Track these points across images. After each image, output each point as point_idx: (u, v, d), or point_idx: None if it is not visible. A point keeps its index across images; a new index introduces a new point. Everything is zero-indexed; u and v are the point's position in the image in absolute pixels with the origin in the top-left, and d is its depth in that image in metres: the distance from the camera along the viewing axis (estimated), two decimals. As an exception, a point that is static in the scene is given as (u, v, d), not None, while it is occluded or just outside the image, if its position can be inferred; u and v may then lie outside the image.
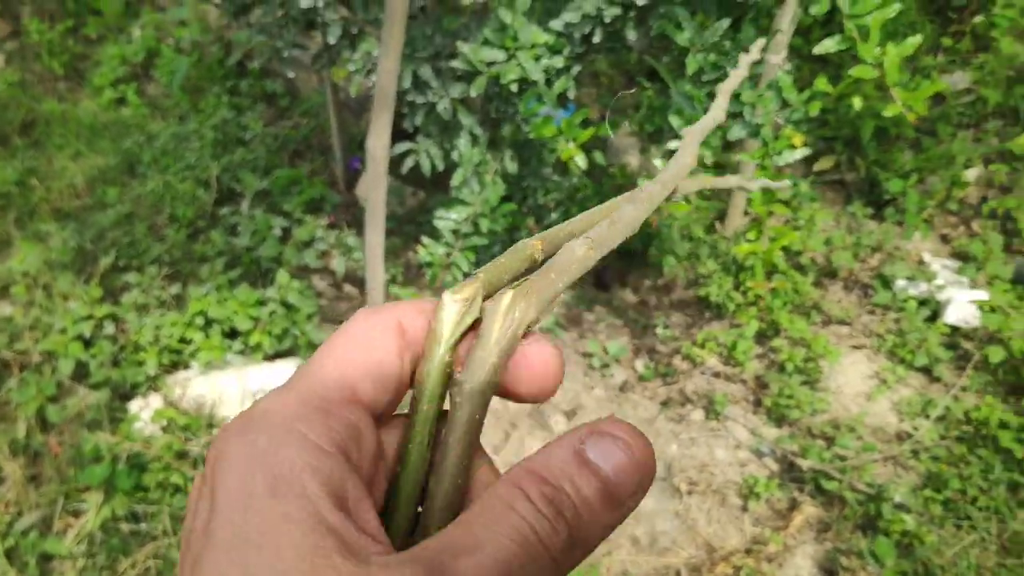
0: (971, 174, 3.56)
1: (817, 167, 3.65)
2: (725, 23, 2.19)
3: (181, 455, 2.51)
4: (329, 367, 0.36)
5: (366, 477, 0.35)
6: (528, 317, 0.37)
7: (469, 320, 0.38)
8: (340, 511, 0.32)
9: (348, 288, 3.29)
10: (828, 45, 2.03)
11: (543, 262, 0.42)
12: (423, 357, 0.38)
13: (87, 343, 2.80)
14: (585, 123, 2.44)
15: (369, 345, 0.37)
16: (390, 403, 0.38)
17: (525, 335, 0.38)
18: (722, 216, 3.38)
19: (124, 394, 2.75)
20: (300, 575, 0.29)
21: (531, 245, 0.43)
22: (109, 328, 2.83)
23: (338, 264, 3.17)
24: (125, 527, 2.41)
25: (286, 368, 2.82)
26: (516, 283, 0.39)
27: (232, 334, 2.87)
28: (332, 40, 2.58)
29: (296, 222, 3.33)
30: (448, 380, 0.37)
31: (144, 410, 2.65)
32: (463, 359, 0.38)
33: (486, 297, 0.39)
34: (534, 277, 0.39)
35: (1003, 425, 2.63)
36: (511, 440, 2.73)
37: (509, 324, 0.37)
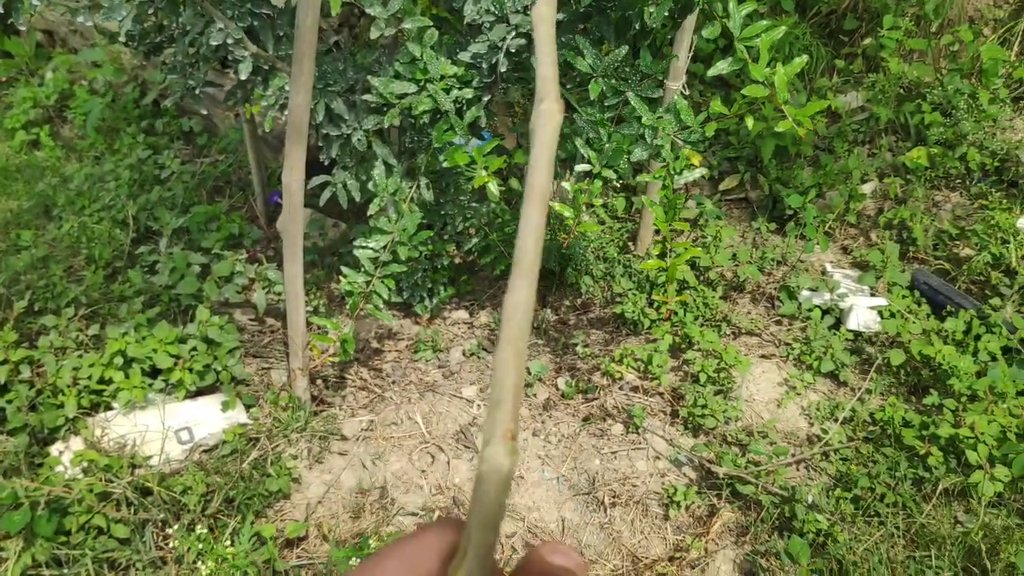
0: (867, 188, 3.75)
1: (723, 186, 3.80)
2: (624, 50, 2.30)
3: (104, 496, 2.48)
4: None
5: None
6: None
7: None
8: None
9: (271, 321, 3.30)
10: (721, 67, 2.15)
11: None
12: None
13: (3, 389, 2.76)
14: (498, 151, 2.52)
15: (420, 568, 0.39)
16: None
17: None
18: (634, 236, 3.49)
19: (43, 439, 2.71)
20: None
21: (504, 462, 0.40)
22: (26, 372, 2.79)
23: (259, 298, 3.18)
24: (47, 573, 2.37)
25: (209, 404, 2.82)
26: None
27: (153, 372, 2.85)
28: (244, 76, 2.61)
29: (215, 258, 3.33)
30: None
31: (64, 453, 2.62)
32: None
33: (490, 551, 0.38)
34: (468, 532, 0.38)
35: (906, 424, 2.77)
36: (437, 462, 2.77)
37: None
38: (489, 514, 0.37)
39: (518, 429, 0.38)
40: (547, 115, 0.44)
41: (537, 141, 0.43)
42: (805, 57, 2.06)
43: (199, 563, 2.20)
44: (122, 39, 2.45)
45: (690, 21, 2.76)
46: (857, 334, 3.15)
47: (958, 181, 3.79)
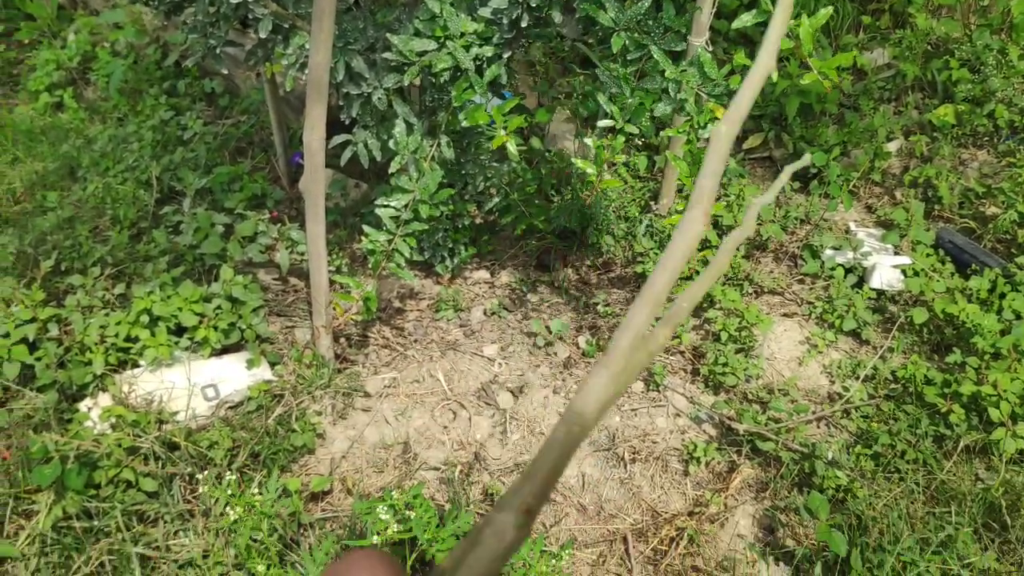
0: (893, 146, 3.71)
1: (746, 145, 3.77)
2: (647, 3, 2.27)
3: (131, 451, 2.53)
4: None
5: None
6: None
7: None
8: None
9: (294, 281, 3.32)
10: (745, 19, 2.12)
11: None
12: None
13: (32, 346, 2.80)
14: (518, 110, 2.51)
15: None
16: None
17: None
18: (656, 195, 3.47)
19: (72, 395, 2.76)
20: None
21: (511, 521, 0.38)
22: (54, 330, 2.84)
23: (282, 258, 3.20)
24: (78, 525, 2.43)
25: (234, 361, 2.85)
26: None
27: (179, 331, 2.89)
28: (264, 34, 2.61)
29: (239, 218, 3.35)
30: None
31: (93, 410, 2.67)
32: None
33: None
34: None
35: (928, 381, 2.76)
36: (459, 419, 2.79)
37: None
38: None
39: (539, 510, 0.36)
40: (690, 222, 0.45)
41: (674, 245, 0.45)
42: (830, 9, 2.03)
43: (228, 509, 2.25)
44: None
45: (713, -25, 2.73)
46: (880, 292, 3.13)
47: (985, 139, 3.73)
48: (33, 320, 2.82)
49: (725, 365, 2.82)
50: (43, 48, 4.80)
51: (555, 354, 3.01)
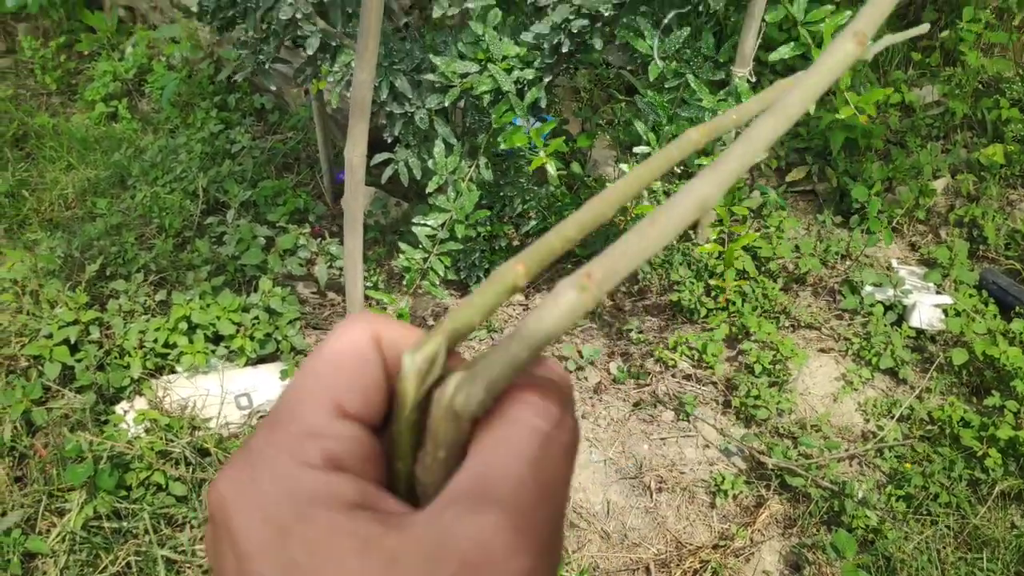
0: (939, 184, 3.66)
1: (789, 177, 3.74)
2: (685, 32, 2.28)
3: (163, 455, 2.57)
4: (314, 387, 0.36)
5: (377, 482, 0.36)
6: (470, 407, 0.34)
7: (433, 375, 0.36)
8: (372, 509, 0.33)
9: (331, 295, 3.36)
10: (783, 51, 2.12)
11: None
12: (393, 418, 0.37)
13: (73, 348, 2.87)
14: (557, 133, 2.53)
15: (348, 359, 0.37)
16: (380, 411, 0.37)
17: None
18: (695, 225, 3.46)
19: (109, 397, 2.82)
20: (375, 573, 0.30)
21: (513, 271, 0.35)
22: (95, 333, 2.90)
23: (320, 272, 3.24)
24: (107, 525, 2.47)
25: (268, 372, 2.89)
26: (469, 363, 0.35)
27: (216, 339, 2.94)
28: (311, 52, 2.67)
29: (280, 231, 3.41)
30: (416, 437, 0.37)
31: (128, 412, 2.72)
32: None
33: (455, 344, 0.36)
34: (497, 347, 0.34)
35: (965, 424, 2.71)
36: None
37: (451, 418, 0.34)
38: (535, 334, 0.33)
39: (604, 281, 0.33)
40: (841, 40, 0.36)
41: (820, 63, 0.37)
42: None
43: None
44: (195, 9, 2.52)
45: (758, 7, 2.73)
46: (919, 332, 3.07)
47: (1035, 180, 3.66)
48: (76, 322, 2.89)
49: (757, 398, 2.79)
50: (101, 60, 4.94)
51: (586, 379, 3.00)
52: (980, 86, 3.88)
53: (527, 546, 0.31)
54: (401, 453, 0.37)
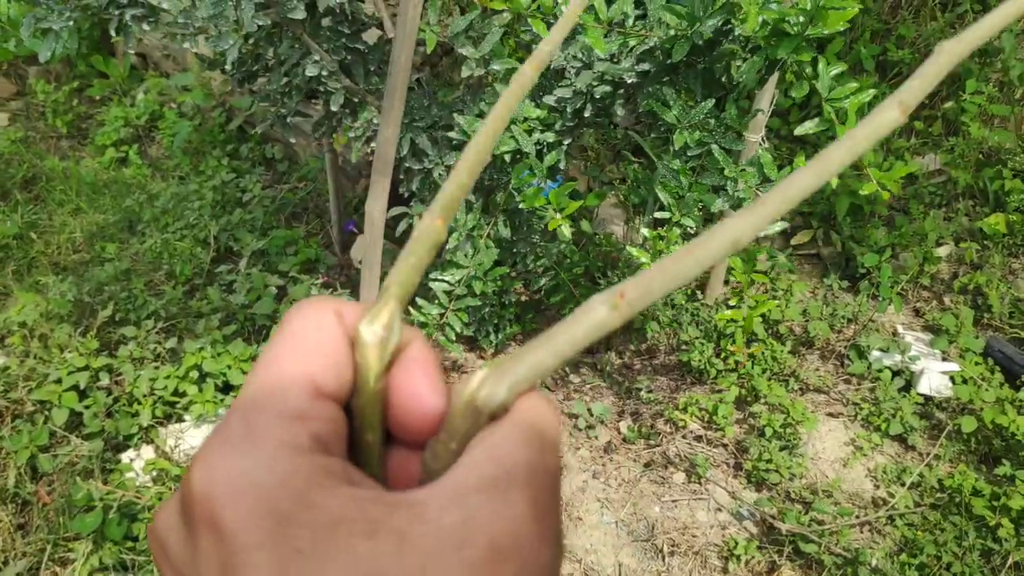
0: (943, 251, 3.71)
1: (794, 241, 3.79)
2: (710, 103, 2.33)
3: (171, 506, 2.54)
4: (293, 370, 0.35)
5: (345, 458, 0.36)
6: (492, 404, 0.35)
7: (393, 343, 0.36)
8: (365, 489, 0.33)
9: (340, 347, 3.36)
10: (808, 127, 2.16)
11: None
12: (356, 391, 0.37)
13: (82, 394, 2.85)
14: (573, 195, 2.57)
15: (317, 338, 0.36)
16: (349, 388, 0.37)
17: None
18: (703, 285, 3.49)
19: (117, 445, 2.79)
20: (387, 556, 0.29)
21: (434, 227, 0.38)
22: (104, 380, 2.89)
23: (331, 323, 3.24)
24: (113, 577, 2.43)
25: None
26: (493, 361, 0.36)
27: (226, 388, 2.92)
28: (334, 107, 2.70)
29: (292, 281, 3.42)
30: (383, 407, 0.37)
31: (136, 461, 2.69)
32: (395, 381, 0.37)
33: (403, 306, 0.38)
34: (524, 350, 0.35)
35: (976, 493, 2.71)
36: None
37: (472, 413, 0.35)
38: (562, 344, 0.34)
39: (639, 301, 0.34)
40: (885, 109, 0.39)
41: (859, 128, 0.39)
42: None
43: None
44: (228, 67, 2.56)
45: (774, 78, 2.79)
46: (927, 398, 3.09)
47: (1037, 250, 3.72)
48: (86, 368, 2.87)
49: (769, 462, 2.79)
50: (113, 105, 4.98)
51: (596, 437, 3.00)
52: (981, 156, 3.96)
53: (548, 536, 0.32)
54: (369, 425, 0.37)
